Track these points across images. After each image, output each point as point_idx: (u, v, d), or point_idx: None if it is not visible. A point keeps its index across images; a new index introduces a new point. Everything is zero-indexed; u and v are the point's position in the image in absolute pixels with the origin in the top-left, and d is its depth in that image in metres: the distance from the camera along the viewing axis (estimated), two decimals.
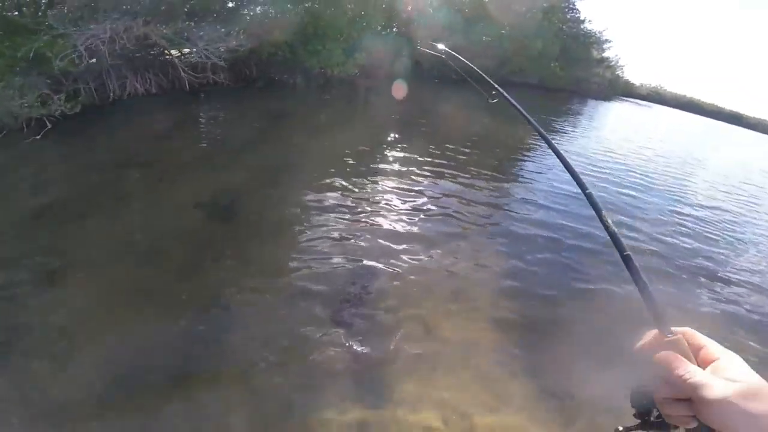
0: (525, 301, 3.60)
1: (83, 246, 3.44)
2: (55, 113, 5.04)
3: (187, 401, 2.28)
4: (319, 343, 2.75)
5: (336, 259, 3.63)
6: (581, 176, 0.76)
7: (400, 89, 10.91)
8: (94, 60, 6.03)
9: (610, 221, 0.63)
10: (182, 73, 7.56)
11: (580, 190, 0.73)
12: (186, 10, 7.95)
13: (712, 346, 0.49)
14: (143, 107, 7.04)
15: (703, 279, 4.59)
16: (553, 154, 0.86)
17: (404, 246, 4.05)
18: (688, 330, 0.51)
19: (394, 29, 15.93)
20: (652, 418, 0.52)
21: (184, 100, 7.74)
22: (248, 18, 9.77)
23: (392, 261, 3.77)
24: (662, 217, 6.44)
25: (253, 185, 4.77)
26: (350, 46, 12.73)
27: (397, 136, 8.24)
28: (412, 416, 2.38)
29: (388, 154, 6.95)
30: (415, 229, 4.46)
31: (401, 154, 6.97)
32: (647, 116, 25.57)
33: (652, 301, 0.52)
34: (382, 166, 6.29)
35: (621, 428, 0.55)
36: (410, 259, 3.87)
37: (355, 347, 2.78)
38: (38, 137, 4.76)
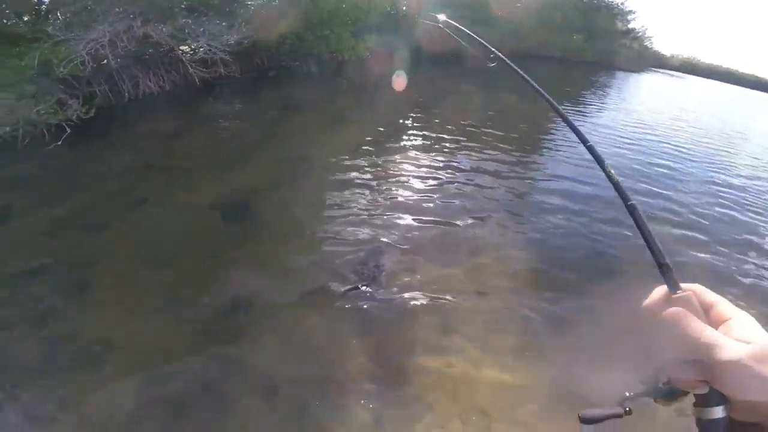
0: (551, 283, 3.53)
1: (106, 253, 3.51)
2: (72, 118, 5.09)
3: (216, 402, 2.31)
4: (345, 343, 2.74)
5: (356, 254, 3.59)
6: (602, 144, 0.77)
7: (400, 82, 10.48)
8: (101, 63, 6.05)
9: (613, 172, 0.62)
10: (190, 69, 7.51)
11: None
12: (184, 6, 7.84)
13: (723, 305, 0.46)
14: (157, 106, 7.06)
15: (743, 250, 4.43)
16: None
17: (426, 225, 4.11)
18: (698, 287, 0.48)
19: (404, 8, 15.32)
20: (660, 384, 0.48)
21: (197, 96, 7.73)
22: (251, 9, 9.58)
23: (414, 241, 3.82)
24: (700, 189, 6.13)
25: (269, 181, 4.73)
26: (358, 29, 12.37)
27: (414, 117, 8.06)
28: (429, 398, 2.38)
29: (407, 136, 6.84)
30: (438, 207, 4.49)
31: (420, 134, 6.87)
32: (680, 87, 24.48)
33: (660, 255, 0.50)
34: (401, 148, 6.24)
35: (629, 394, 0.54)
36: (433, 236, 3.94)
37: (376, 332, 2.79)
38: (59, 143, 4.84)
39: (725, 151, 9.04)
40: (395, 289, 3.23)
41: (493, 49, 1.17)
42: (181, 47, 8.17)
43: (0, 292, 3.09)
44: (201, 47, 7.89)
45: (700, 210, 5.34)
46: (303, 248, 3.66)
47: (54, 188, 4.33)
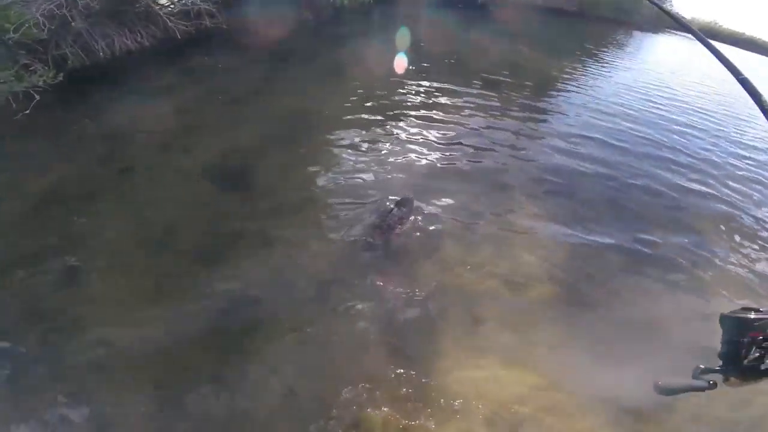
0: (574, 256, 3.23)
1: (95, 233, 3.10)
2: (39, 83, 4.49)
3: (218, 383, 2.06)
4: (363, 338, 2.42)
5: (367, 229, 3.15)
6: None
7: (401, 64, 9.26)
8: (64, 23, 5.35)
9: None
10: (169, 23, 6.70)
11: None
12: None
13: None
14: (137, 64, 6.37)
15: None
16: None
17: (440, 185, 3.77)
18: None
19: None
20: (746, 362, 0.45)
21: (181, 51, 6.98)
22: None
23: (430, 203, 3.50)
24: (734, 162, 5.53)
25: (265, 141, 4.23)
26: None
27: (421, 68, 7.29)
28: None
29: (415, 91, 6.19)
30: (451, 167, 4.15)
31: (429, 89, 6.26)
32: (701, 51, 22.35)
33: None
34: (409, 103, 5.60)
35: (702, 367, 0.52)
36: (448, 199, 3.61)
37: (396, 327, 2.49)
38: (27, 111, 4.28)
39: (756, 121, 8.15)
40: (415, 272, 2.88)
41: None
42: (158, 1, 7.27)
43: None
44: None
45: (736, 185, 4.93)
46: (307, 220, 3.22)
47: (30, 160, 3.82)
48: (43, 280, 2.78)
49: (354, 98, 5.55)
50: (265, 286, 2.63)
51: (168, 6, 7.56)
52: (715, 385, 0.52)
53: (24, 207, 3.40)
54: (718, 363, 0.49)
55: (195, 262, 2.78)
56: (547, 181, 4.17)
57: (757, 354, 0.44)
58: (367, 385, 2.10)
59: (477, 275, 2.93)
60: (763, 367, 0.43)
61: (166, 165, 3.72)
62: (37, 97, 4.44)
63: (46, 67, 4.97)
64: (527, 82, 7.17)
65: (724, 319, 0.48)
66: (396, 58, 7.83)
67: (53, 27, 5.24)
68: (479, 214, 3.52)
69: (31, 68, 4.82)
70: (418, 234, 3.21)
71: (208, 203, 3.33)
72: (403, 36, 9.17)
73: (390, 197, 3.42)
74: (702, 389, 0.51)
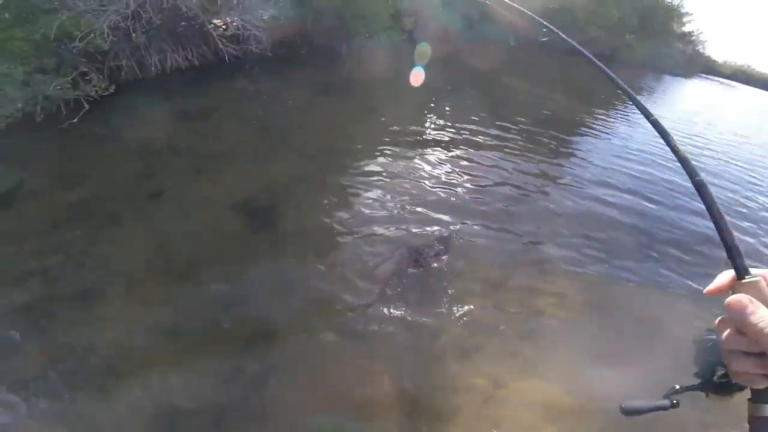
0: (601, 285, 3.40)
1: (117, 255, 3.08)
2: (91, 93, 4.68)
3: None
4: (381, 366, 2.35)
5: (396, 271, 3.13)
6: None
7: (418, 77, 9.60)
8: (126, 35, 5.62)
9: (678, 145, 0.60)
10: (220, 45, 7.01)
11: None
12: None
13: None
14: (185, 82, 6.64)
15: None
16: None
17: (467, 221, 3.86)
18: None
19: None
20: (715, 378, 0.48)
21: (226, 73, 7.27)
22: None
23: (464, 239, 3.61)
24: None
25: (297, 176, 4.23)
26: (397, 11, 11.56)
27: (453, 107, 7.43)
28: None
29: (446, 129, 6.29)
30: (480, 203, 4.24)
31: (459, 127, 6.35)
32: (733, 95, 23.20)
33: (729, 237, 0.47)
34: (440, 142, 5.68)
35: (678, 387, 0.54)
36: (474, 232, 3.74)
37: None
38: (75, 121, 4.44)
39: None
40: (449, 305, 2.90)
41: (545, 23, 1.13)
42: (213, 21, 7.68)
43: None
44: (233, 22, 7.37)
45: None
46: (332, 264, 3.16)
47: (66, 171, 3.93)
48: (58, 295, 2.75)
49: (387, 134, 5.63)
50: (287, 334, 2.54)
51: (221, 26, 7.98)
52: (677, 404, 0.54)
53: (52, 217, 3.43)
54: (694, 381, 0.50)
55: (215, 302, 2.71)
56: (577, 223, 4.19)
57: (724, 371, 0.46)
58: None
59: (507, 311, 2.95)
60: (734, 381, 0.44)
61: (196, 193, 3.73)
62: (87, 106, 4.63)
63: (101, 77, 5.21)
64: (559, 128, 7.23)
65: (695, 343, 0.51)
66: (427, 92, 8.04)
67: (116, 38, 5.52)
68: (511, 254, 3.57)
69: (87, 77, 5.05)
70: (452, 270, 3.22)
71: (232, 238, 3.30)
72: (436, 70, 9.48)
73: (426, 231, 3.56)
74: (666, 408, 0.54)
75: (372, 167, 4.60)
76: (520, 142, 6.17)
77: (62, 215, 3.39)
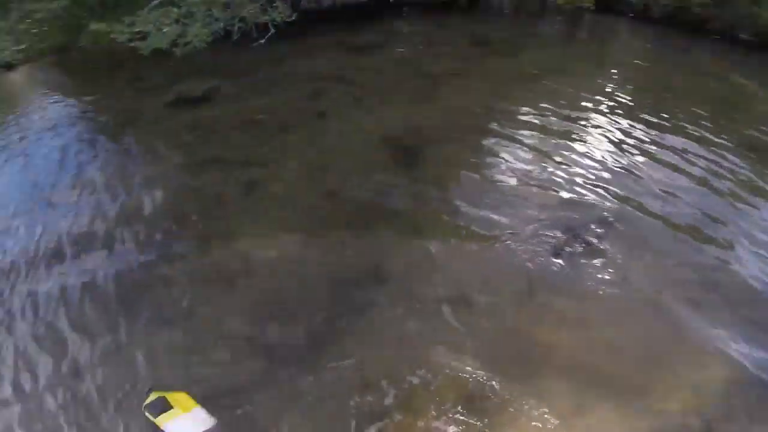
0: None
1: (279, 162, 3.47)
2: (277, 19, 5.19)
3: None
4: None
5: (544, 213, 2.93)
6: None
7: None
8: None
9: None
10: None
11: None
12: None
13: None
14: (351, 18, 6.82)
15: None
16: None
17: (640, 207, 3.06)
18: None
19: None
20: None
21: (388, 14, 7.20)
22: None
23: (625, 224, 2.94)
24: None
25: (447, 128, 4.00)
26: None
27: (628, 97, 5.72)
28: None
29: (611, 116, 4.92)
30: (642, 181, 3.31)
31: (650, 106, 4.87)
32: None
33: None
34: (601, 128, 4.48)
35: None
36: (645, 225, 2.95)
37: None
38: (262, 41, 5.04)
39: None
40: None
41: None
42: None
43: (183, 177, 3.37)
44: None
45: None
46: (473, 219, 2.91)
47: (252, 83, 4.58)
48: (227, 183, 3.27)
49: (540, 103, 4.82)
50: (403, 266, 2.52)
51: None
52: None
53: (235, 122, 4.02)
54: None
55: (350, 225, 2.85)
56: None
57: None
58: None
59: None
60: None
61: (354, 120, 3.91)
62: (273, 30, 5.16)
63: (285, 4, 5.68)
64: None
65: None
66: (601, 72, 6.49)
67: None
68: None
69: (274, 3, 5.55)
70: (610, 254, 2.72)
71: (379, 168, 3.36)
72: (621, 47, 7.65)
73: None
74: None
75: (527, 138, 3.89)
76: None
77: (245, 120, 3.94)
